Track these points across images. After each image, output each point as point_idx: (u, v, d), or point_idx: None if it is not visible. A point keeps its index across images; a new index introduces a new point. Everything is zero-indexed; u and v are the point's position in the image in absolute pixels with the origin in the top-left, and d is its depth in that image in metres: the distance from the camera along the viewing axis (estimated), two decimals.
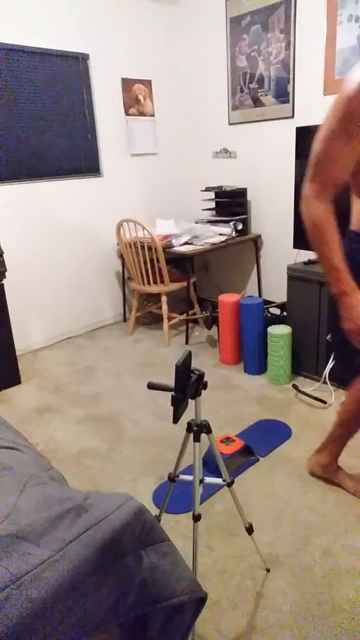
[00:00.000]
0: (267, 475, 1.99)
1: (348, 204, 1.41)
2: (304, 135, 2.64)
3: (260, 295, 3.71)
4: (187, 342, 3.44)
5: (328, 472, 1.91)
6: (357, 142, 1.10)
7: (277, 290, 3.60)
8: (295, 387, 2.65)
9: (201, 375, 1.23)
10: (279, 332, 2.66)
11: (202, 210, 3.80)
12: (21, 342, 3.31)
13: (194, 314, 3.63)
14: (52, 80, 3.16)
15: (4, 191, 3.08)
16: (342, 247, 1.18)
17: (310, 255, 3.10)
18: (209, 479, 1.42)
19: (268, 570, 1.55)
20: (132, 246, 3.31)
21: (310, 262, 2.71)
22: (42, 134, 3.19)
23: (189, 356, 1.18)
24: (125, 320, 3.94)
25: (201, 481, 1.38)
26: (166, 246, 3.28)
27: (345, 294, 1.18)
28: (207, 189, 3.53)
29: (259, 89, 3.25)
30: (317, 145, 1.14)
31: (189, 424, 1.32)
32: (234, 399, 2.62)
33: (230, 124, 3.53)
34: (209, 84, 3.61)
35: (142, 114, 3.71)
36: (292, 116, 3.10)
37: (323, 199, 1.17)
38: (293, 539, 1.66)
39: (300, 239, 2.83)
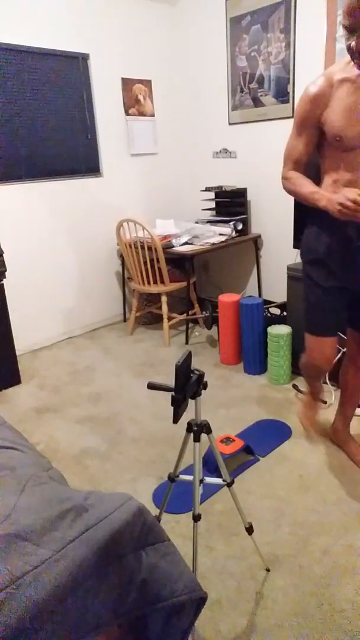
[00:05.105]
0: (267, 475, 1.99)
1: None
2: None
3: (260, 295, 3.71)
4: (187, 342, 3.44)
5: (339, 438, 2.14)
6: (305, 137, 1.64)
7: (277, 290, 3.60)
8: (295, 387, 2.65)
9: (201, 375, 1.23)
10: (279, 332, 2.66)
11: (202, 210, 3.80)
12: (21, 342, 3.31)
13: (194, 314, 3.62)
14: (52, 80, 3.16)
15: (4, 191, 3.08)
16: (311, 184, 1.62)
17: None
18: (209, 479, 1.42)
19: (268, 570, 1.55)
20: (132, 246, 3.31)
21: None
22: (42, 133, 3.19)
23: (189, 356, 1.18)
24: (125, 320, 3.94)
25: (201, 481, 1.38)
26: (166, 246, 3.28)
27: (325, 199, 1.54)
28: (207, 189, 3.53)
29: (259, 89, 3.25)
30: (287, 141, 1.72)
31: (189, 424, 1.32)
32: (234, 399, 2.62)
33: (230, 124, 3.53)
34: (209, 84, 3.61)
35: (142, 114, 3.71)
36: (292, 116, 3.10)
37: (291, 172, 1.70)
38: (293, 539, 1.66)
39: (301, 239, 2.82)
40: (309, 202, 1.61)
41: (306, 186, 1.62)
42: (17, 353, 2.99)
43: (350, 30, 1.39)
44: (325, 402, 2.50)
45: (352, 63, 1.53)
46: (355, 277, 1.71)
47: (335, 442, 2.15)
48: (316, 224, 1.73)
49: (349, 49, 1.43)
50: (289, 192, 1.70)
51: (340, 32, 2.72)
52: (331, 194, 1.51)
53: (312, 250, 1.74)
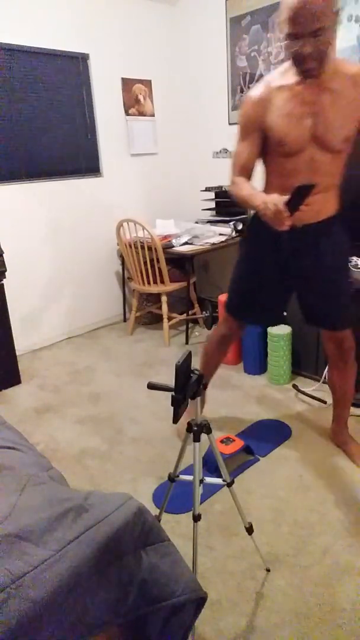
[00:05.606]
0: (267, 475, 1.99)
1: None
2: None
3: None
4: (187, 342, 3.44)
5: (338, 439, 2.14)
6: (250, 141, 1.66)
7: None
8: (295, 387, 2.65)
9: (201, 376, 1.23)
10: (279, 332, 2.66)
11: (202, 210, 3.80)
12: (21, 342, 3.31)
13: (194, 314, 3.62)
14: (52, 80, 3.16)
15: (4, 191, 3.08)
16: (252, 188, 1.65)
17: None
18: (209, 479, 1.42)
19: (268, 570, 1.55)
20: (132, 246, 3.31)
21: None
22: (42, 133, 3.19)
23: (189, 356, 1.18)
24: (125, 320, 3.94)
25: (201, 481, 1.38)
26: (166, 246, 3.28)
27: (260, 199, 1.53)
28: (207, 189, 3.53)
29: None
30: (234, 148, 1.73)
31: (189, 424, 1.32)
32: (234, 399, 2.62)
33: (230, 124, 3.53)
34: (209, 84, 3.61)
35: (142, 114, 3.71)
36: None
37: (238, 177, 1.70)
38: (293, 539, 1.66)
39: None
40: (248, 203, 1.62)
41: (247, 189, 1.64)
42: (17, 353, 2.99)
43: (297, 37, 1.42)
44: (325, 402, 2.50)
45: (290, 71, 1.57)
46: (290, 282, 1.85)
47: (335, 443, 2.15)
48: (255, 225, 1.82)
49: (297, 55, 1.46)
50: (235, 196, 1.71)
51: (342, 34, 2.72)
52: (266, 195, 1.53)
53: (251, 247, 1.89)
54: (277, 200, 1.41)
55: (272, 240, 1.75)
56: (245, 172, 1.71)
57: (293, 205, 1.39)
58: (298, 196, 1.36)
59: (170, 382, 1.17)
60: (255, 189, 1.64)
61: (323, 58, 1.45)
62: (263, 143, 1.67)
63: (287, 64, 1.58)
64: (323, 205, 1.68)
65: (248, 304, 1.95)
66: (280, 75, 1.60)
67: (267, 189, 1.75)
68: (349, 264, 1.87)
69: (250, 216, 1.88)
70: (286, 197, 1.40)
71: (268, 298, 1.91)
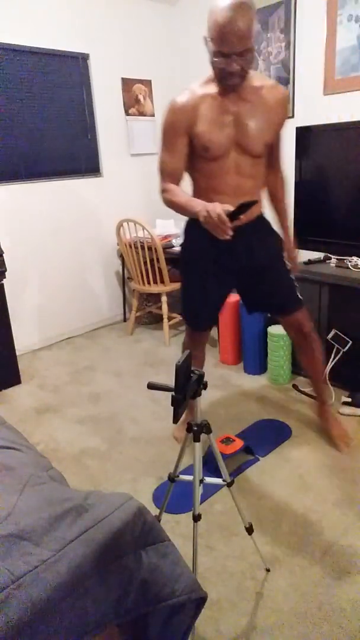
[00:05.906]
0: (267, 475, 1.99)
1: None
2: (304, 135, 2.63)
3: None
4: None
5: (322, 417, 2.19)
6: (178, 147, 1.69)
7: None
8: (295, 387, 2.65)
9: (201, 375, 1.23)
10: (279, 332, 2.66)
11: None
12: (21, 342, 3.31)
13: None
14: (52, 80, 3.16)
15: (4, 191, 3.08)
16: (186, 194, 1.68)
17: (310, 255, 3.10)
18: (209, 479, 1.42)
19: (268, 570, 1.55)
20: (132, 246, 3.31)
21: (310, 262, 2.71)
22: (42, 133, 3.19)
23: (189, 356, 1.18)
24: (125, 320, 3.94)
25: (201, 481, 1.38)
26: (166, 246, 3.28)
27: (201, 205, 1.53)
28: None
29: None
30: (158, 156, 1.76)
31: (189, 424, 1.32)
32: (234, 399, 2.62)
33: None
34: None
35: (142, 114, 3.71)
36: (292, 116, 3.10)
37: (169, 184, 1.72)
38: (293, 539, 1.66)
39: (300, 239, 2.83)
40: (186, 209, 1.63)
41: (183, 195, 1.67)
42: (17, 353, 2.99)
43: (224, 55, 1.49)
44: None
45: (211, 83, 1.65)
46: (231, 282, 1.96)
47: (320, 425, 2.21)
48: (192, 232, 1.88)
49: (223, 71, 1.54)
50: (168, 203, 1.73)
51: (342, 34, 2.72)
52: (207, 204, 1.54)
53: (189, 253, 1.94)
54: (220, 210, 1.44)
55: (207, 244, 1.80)
56: (175, 178, 1.73)
57: (234, 216, 1.45)
58: (240, 209, 1.43)
59: (170, 382, 1.17)
60: (189, 195, 1.69)
61: (246, 75, 1.57)
62: (189, 148, 1.71)
63: (209, 76, 1.66)
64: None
65: (198, 312, 2.03)
66: (204, 84, 1.68)
67: (196, 191, 1.82)
68: (282, 252, 1.98)
69: (185, 224, 1.94)
70: (228, 208, 1.45)
71: (213, 302, 2.00)
